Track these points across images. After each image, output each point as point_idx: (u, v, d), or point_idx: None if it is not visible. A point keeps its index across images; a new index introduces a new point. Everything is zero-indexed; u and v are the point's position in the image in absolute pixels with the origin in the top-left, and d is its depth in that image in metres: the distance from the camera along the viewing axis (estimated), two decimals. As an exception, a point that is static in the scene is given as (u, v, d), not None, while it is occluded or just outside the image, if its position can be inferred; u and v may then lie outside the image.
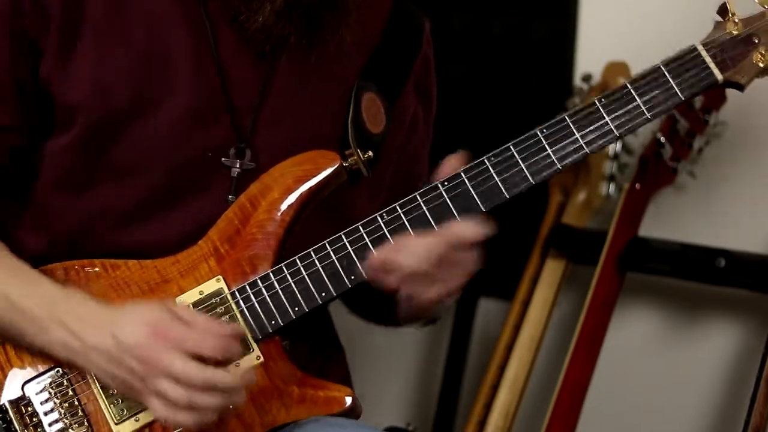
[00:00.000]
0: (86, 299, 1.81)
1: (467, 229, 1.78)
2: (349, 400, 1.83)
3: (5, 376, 1.83)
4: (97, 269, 1.86)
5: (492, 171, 1.84)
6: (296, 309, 1.84)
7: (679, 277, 2.66)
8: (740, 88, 1.86)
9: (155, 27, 1.88)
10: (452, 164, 1.85)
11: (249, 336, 1.83)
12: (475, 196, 1.83)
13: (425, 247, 1.78)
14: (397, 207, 1.84)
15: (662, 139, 2.59)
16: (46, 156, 1.90)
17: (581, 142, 1.84)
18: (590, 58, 2.78)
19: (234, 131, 1.90)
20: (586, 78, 2.74)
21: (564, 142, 1.84)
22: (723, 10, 1.87)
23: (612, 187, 2.74)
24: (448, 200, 1.84)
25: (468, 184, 1.84)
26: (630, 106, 1.84)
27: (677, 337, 2.74)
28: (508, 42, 2.83)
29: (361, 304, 2.15)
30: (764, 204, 2.63)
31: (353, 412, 1.84)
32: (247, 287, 1.84)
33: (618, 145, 2.72)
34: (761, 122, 2.62)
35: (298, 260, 1.84)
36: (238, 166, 1.90)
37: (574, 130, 1.84)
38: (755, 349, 2.54)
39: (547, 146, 1.84)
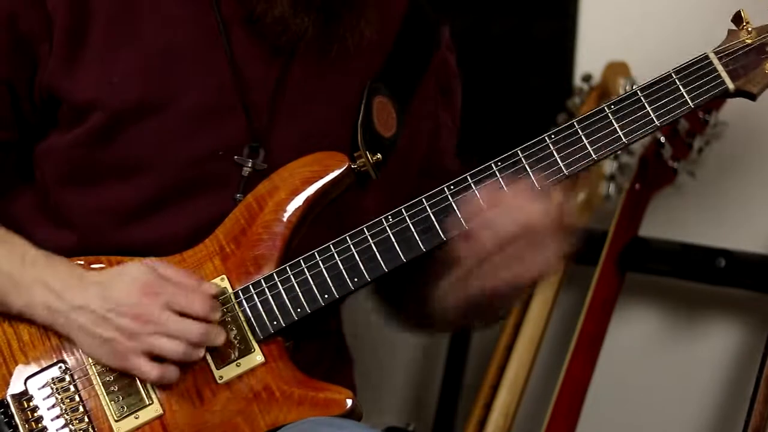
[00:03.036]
0: (69, 264, 1.83)
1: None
2: (349, 402, 1.82)
3: (8, 371, 1.83)
4: (102, 266, 1.86)
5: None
6: (298, 310, 1.83)
7: (679, 277, 2.66)
8: (752, 97, 1.83)
9: (166, 26, 1.88)
10: None
11: (251, 336, 1.84)
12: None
13: (524, 211, 1.75)
14: (403, 210, 1.84)
15: (662, 139, 2.58)
16: (52, 152, 1.91)
17: (589, 149, 1.82)
18: (590, 58, 2.78)
19: (248, 130, 1.89)
20: (586, 78, 2.73)
21: (572, 148, 1.82)
22: (737, 18, 1.83)
23: (612, 187, 2.73)
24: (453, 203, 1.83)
25: (473, 188, 1.83)
26: (639, 113, 1.82)
27: (677, 337, 2.74)
28: (508, 42, 2.83)
29: (398, 309, 2.13)
30: (764, 204, 2.63)
31: (353, 415, 1.83)
32: (251, 287, 1.84)
33: (618, 145, 2.72)
34: (761, 122, 2.62)
35: (302, 261, 1.84)
36: (250, 165, 1.89)
37: (583, 137, 1.83)
38: (755, 349, 2.54)
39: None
